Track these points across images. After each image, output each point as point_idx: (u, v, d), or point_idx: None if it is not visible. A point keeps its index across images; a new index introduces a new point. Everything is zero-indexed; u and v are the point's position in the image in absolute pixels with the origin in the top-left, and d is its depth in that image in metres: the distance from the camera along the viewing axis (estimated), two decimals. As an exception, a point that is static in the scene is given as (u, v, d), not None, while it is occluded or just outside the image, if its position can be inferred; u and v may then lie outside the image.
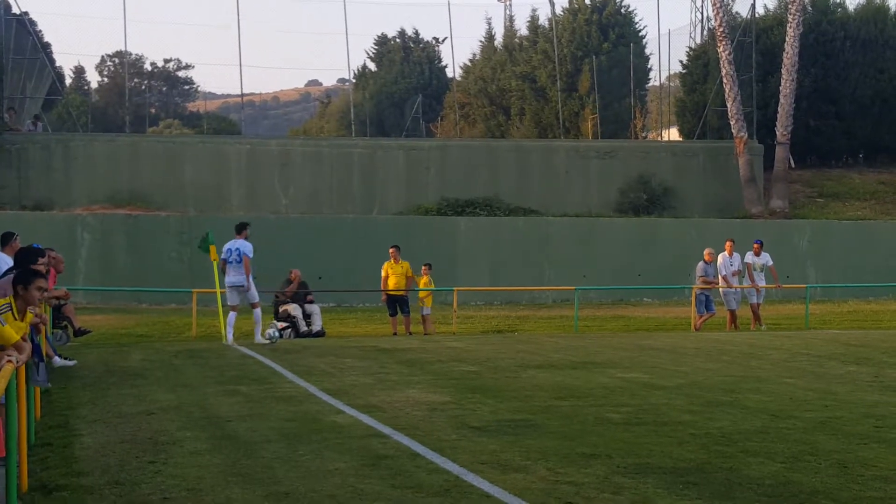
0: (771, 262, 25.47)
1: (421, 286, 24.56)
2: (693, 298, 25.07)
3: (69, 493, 7.51)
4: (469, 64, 69.36)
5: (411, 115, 59.80)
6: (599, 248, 36.21)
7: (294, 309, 23.07)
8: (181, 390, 12.98)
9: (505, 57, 62.97)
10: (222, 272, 20.21)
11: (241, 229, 20.18)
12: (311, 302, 23.76)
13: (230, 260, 19.84)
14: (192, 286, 24.82)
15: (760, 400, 11.98)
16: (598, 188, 43.12)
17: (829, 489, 7.50)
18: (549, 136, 54.27)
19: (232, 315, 19.96)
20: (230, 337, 19.72)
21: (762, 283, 25.38)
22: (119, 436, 9.80)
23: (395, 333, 23.61)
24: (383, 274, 24.11)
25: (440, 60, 76.51)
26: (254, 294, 19.98)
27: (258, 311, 20.02)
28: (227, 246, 19.99)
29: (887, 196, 44.29)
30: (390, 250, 24.28)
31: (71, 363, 15.90)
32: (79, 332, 18.22)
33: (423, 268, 24.77)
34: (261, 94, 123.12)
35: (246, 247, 19.80)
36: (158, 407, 11.56)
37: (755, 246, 25.40)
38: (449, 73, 72.95)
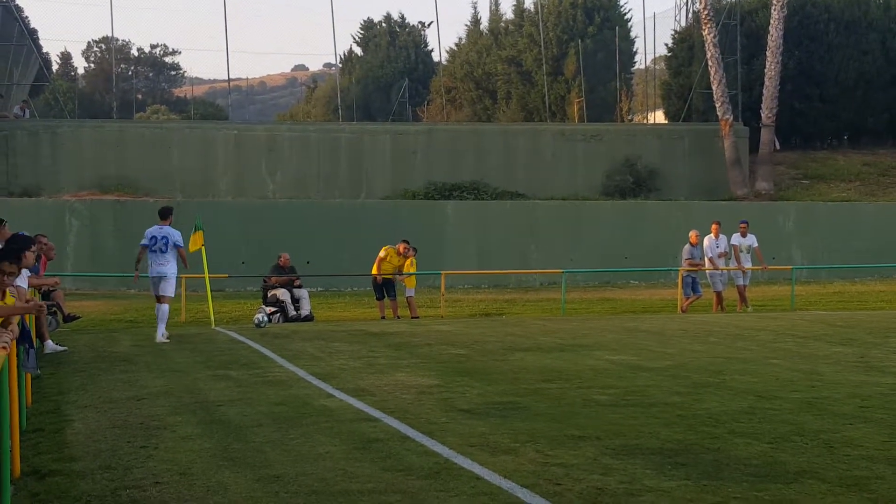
0: (756, 244, 25.55)
1: (405, 268, 24.59)
2: (679, 280, 25.15)
3: (61, 478, 7.54)
4: (455, 48, 69.40)
5: (398, 99, 59.81)
6: (586, 231, 36.27)
7: (283, 293, 23.09)
8: (171, 375, 13.01)
9: (491, 41, 62.97)
10: (137, 259, 18.32)
11: (166, 214, 18.00)
12: (300, 286, 23.78)
13: (153, 248, 17.71)
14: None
15: (747, 381, 12.06)
16: (585, 171, 43.21)
17: (815, 469, 7.57)
18: (535, 119, 54.32)
19: (161, 308, 17.81)
20: (159, 335, 17.57)
21: (748, 265, 25.47)
22: (110, 421, 9.83)
23: (382, 317, 23.66)
24: (382, 254, 23.97)
25: (426, 45, 76.60)
26: (172, 287, 18.06)
27: (167, 307, 17.88)
28: (150, 232, 17.91)
29: (871, 178, 44.47)
30: (402, 244, 24.09)
31: (62, 349, 15.94)
32: (68, 318, 18.25)
33: (410, 250, 24.79)
34: (247, 79, 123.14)
35: (177, 235, 17.83)
36: (148, 392, 11.59)
37: (741, 226, 25.48)
38: (435, 57, 73.05)
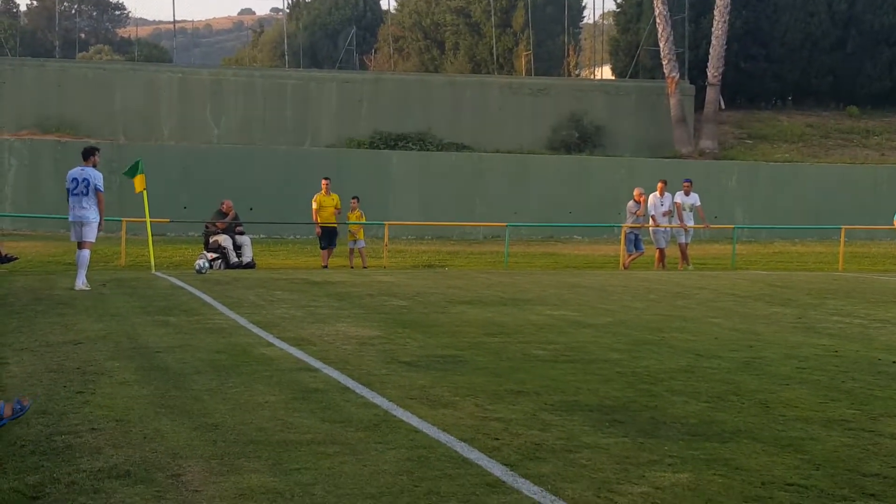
0: (699, 203, 25.74)
1: (352, 220, 24.59)
2: (622, 237, 25.28)
3: (-5, 423, 7.44)
4: (404, -4, 68.86)
5: (345, 47, 59.36)
6: (531, 185, 36.35)
7: (224, 240, 22.95)
8: (109, 320, 12.87)
9: (440, -10, 62.58)
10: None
11: (88, 155, 17.05)
12: (242, 233, 23.65)
13: (75, 191, 16.79)
14: (121, 215, 24.59)
15: (686, 339, 12.13)
16: (531, 125, 43.22)
17: (750, 428, 7.63)
18: (482, 71, 54.20)
19: (81, 254, 16.96)
20: (79, 282, 16.69)
21: (690, 223, 25.65)
22: (46, 365, 9.71)
23: (325, 266, 23.63)
24: (315, 206, 24.12)
25: (375, -8, 75.87)
26: (93, 232, 17.00)
27: (87, 252, 16.98)
28: (71, 174, 17.01)
29: (814, 139, 44.87)
30: (323, 181, 24.25)
31: None
32: (5, 259, 18.01)
33: (353, 201, 24.79)
34: (193, 21, 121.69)
35: (97, 177, 16.82)
36: (86, 336, 11.46)
37: (685, 185, 25.63)
38: (383, 5, 72.83)
